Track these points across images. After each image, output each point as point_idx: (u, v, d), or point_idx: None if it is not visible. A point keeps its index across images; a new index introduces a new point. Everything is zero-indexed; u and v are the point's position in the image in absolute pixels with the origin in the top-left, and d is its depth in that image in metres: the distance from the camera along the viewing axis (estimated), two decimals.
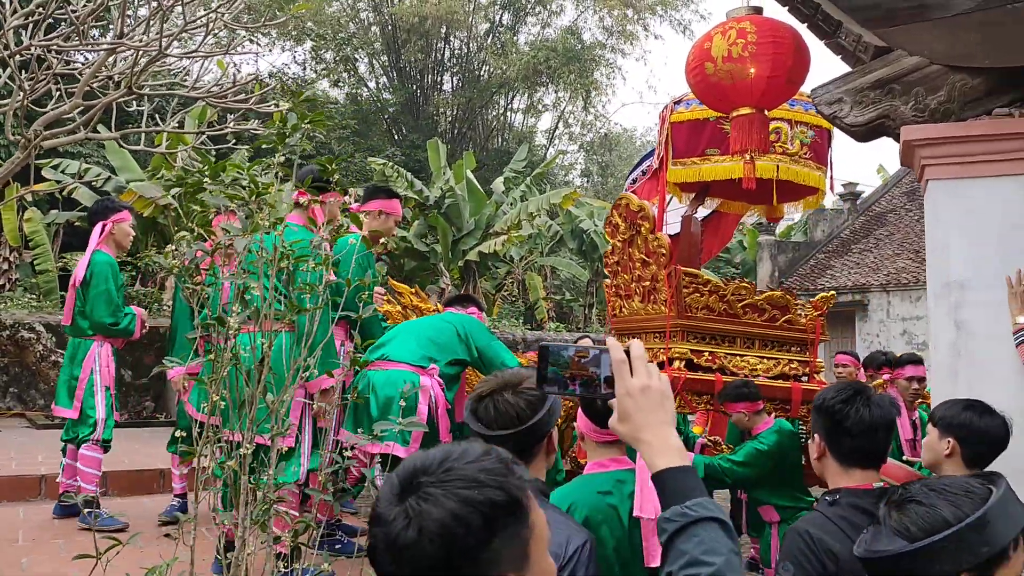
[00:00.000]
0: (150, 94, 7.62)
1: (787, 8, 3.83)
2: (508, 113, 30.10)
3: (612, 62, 28.27)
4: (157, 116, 9.73)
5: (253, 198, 1.95)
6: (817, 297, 5.15)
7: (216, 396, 2.04)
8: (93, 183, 12.60)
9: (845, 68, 3.77)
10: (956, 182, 3.34)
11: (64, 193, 12.75)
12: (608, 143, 32.02)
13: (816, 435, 2.23)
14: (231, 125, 9.25)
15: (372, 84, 29.14)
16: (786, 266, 21.12)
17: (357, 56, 28.33)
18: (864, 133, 3.55)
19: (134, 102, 7.94)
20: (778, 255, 21.12)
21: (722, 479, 4.34)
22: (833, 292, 5.72)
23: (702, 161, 5.30)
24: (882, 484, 2.19)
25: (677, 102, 5.46)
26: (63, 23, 7.05)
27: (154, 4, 7.04)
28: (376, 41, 28.11)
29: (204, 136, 9.52)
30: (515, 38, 28.41)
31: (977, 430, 2.50)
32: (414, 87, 28.38)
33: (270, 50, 26.91)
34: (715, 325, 4.83)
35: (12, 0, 7.09)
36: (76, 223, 13.55)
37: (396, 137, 27.36)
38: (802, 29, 3.88)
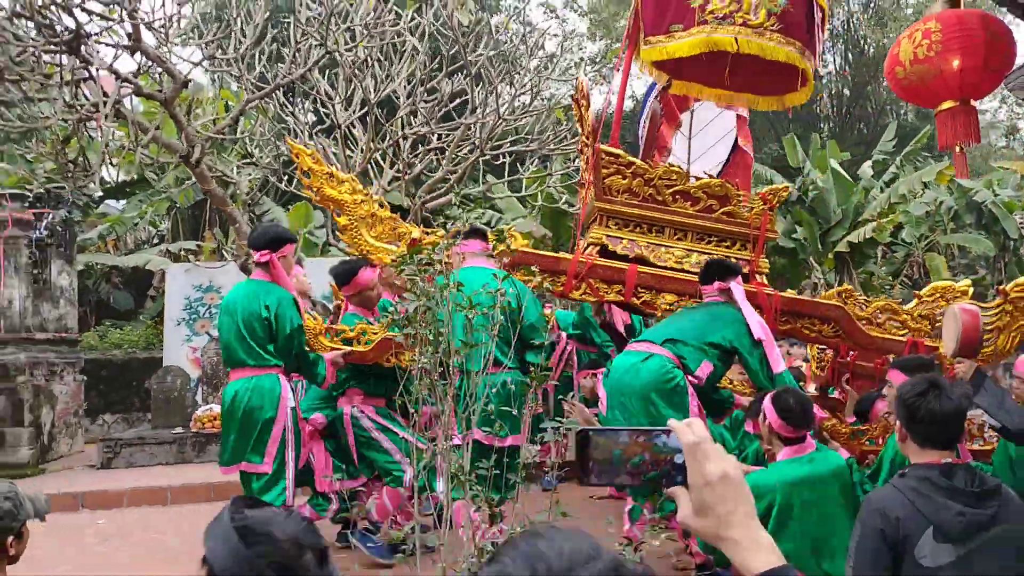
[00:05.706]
0: (497, 152, 9.28)
1: None
2: None
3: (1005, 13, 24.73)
4: (519, 164, 11.51)
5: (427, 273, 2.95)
6: (766, 189, 4.51)
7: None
8: (488, 224, 14.99)
9: None
10: None
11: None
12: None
13: (898, 421, 2.57)
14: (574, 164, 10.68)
15: None
16: None
17: None
18: None
19: (500, 156, 9.70)
20: None
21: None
22: (787, 185, 4.82)
23: (667, 39, 4.60)
24: (950, 460, 2.47)
25: None
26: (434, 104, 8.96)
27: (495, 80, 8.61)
28: None
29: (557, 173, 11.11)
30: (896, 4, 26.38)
31: None
32: None
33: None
34: (638, 211, 4.39)
35: (400, 93, 9.23)
36: None
37: (775, 133, 27.00)
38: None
